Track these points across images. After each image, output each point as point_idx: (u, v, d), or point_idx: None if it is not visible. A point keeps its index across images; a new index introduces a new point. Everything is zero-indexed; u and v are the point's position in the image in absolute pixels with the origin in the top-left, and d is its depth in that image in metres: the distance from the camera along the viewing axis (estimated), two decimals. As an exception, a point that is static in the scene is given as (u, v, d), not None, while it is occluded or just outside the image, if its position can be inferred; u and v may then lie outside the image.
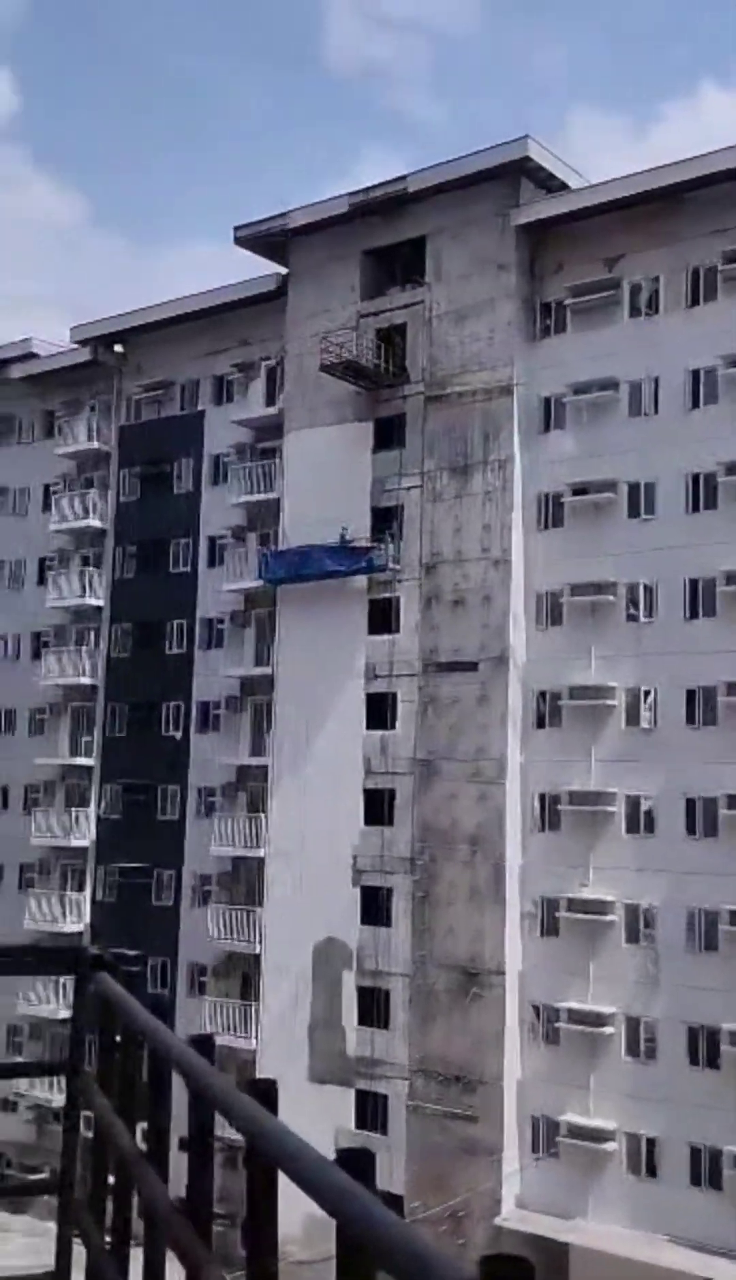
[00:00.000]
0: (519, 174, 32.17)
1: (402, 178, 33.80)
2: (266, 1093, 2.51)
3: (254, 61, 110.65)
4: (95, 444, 41.66)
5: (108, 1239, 3.68)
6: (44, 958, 4.55)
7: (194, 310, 39.15)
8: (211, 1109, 2.85)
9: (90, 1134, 4.07)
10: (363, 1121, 31.14)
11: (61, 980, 36.47)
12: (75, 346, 42.41)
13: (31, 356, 43.65)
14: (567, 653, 30.32)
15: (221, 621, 37.89)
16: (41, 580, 42.84)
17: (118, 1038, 3.95)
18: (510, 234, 32.16)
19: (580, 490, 30.76)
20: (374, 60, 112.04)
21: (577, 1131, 28.47)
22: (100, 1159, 3.94)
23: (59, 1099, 36.12)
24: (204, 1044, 3.09)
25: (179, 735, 38.31)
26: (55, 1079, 36.03)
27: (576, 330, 31.64)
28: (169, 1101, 3.37)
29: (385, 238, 34.69)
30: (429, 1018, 30.80)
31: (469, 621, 31.72)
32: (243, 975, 35.27)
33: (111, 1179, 3.76)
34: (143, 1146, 3.43)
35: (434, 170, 33.32)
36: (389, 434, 33.91)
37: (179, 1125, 2.98)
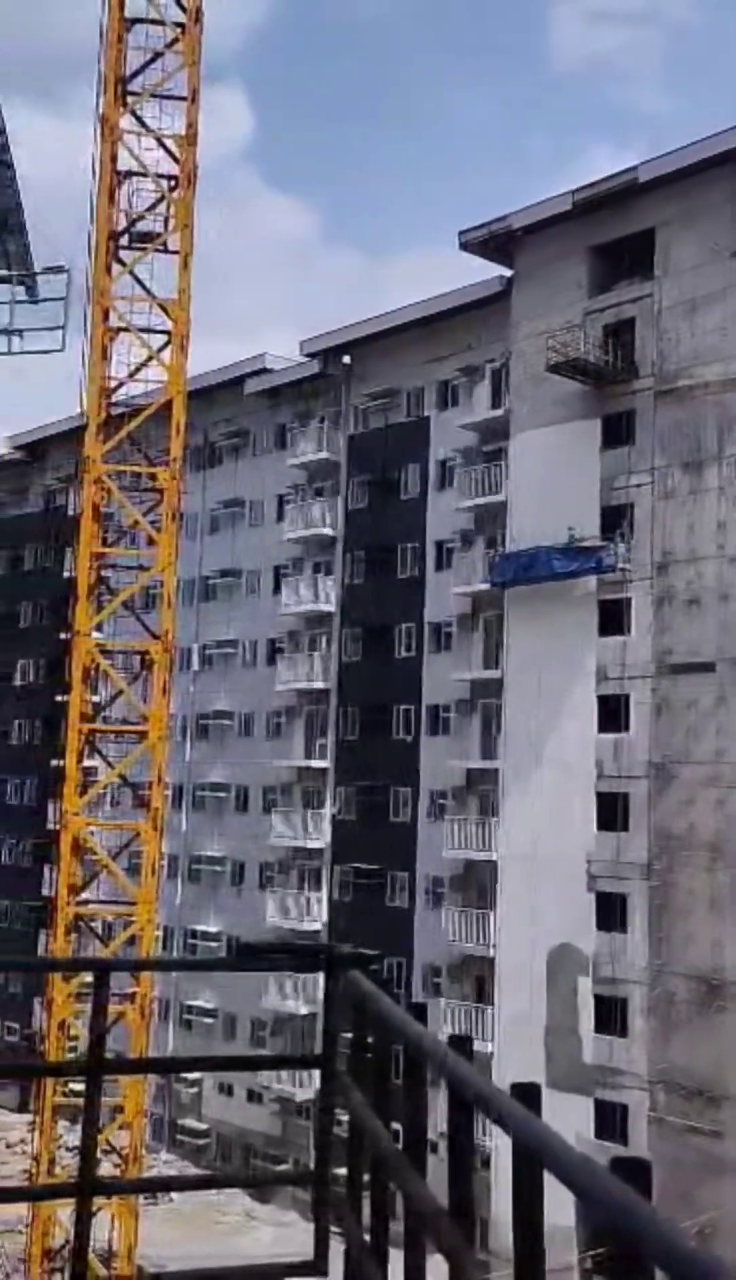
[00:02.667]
0: (751, 156, 31.01)
1: (633, 168, 33.14)
2: (531, 1096, 2.50)
3: (479, 65, 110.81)
4: (325, 454, 42.64)
5: (366, 1234, 3.75)
6: (299, 955, 4.68)
7: (419, 318, 39.54)
8: (472, 1109, 2.87)
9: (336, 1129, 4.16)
10: (602, 1131, 30.61)
11: (302, 978, 37.42)
12: (305, 360, 43.54)
13: (264, 371, 45.07)
14: None
15: (449, 625, 38.07)
16: (276, 588, 44.15)
17: (369, 1036, 4.02)
18: (743, 219, 31.03)
19: None
20: (598, 55, 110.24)
21: None
22: (356, 1154, 4.01)
23: (302, 1092, 37.07)
24: (461, 1044, 3.11)
25: (410, 738, 38.70)
26: (299, 1072, 37.01)
27: None
28: (426, 1100, 3.41)
29: (612, 232, 34.08)
30: (669, 1028, 29.99)
31: (705, 621, 30.74)
32: (477, 978, 35.29)
33: (368, 1174, 3.83)
34: (398, 1144, 3.48)
35: (665, 159, 32.51)
36: (617, 431, 33.27)
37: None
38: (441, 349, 39.35)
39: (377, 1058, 3.90)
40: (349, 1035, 4.18)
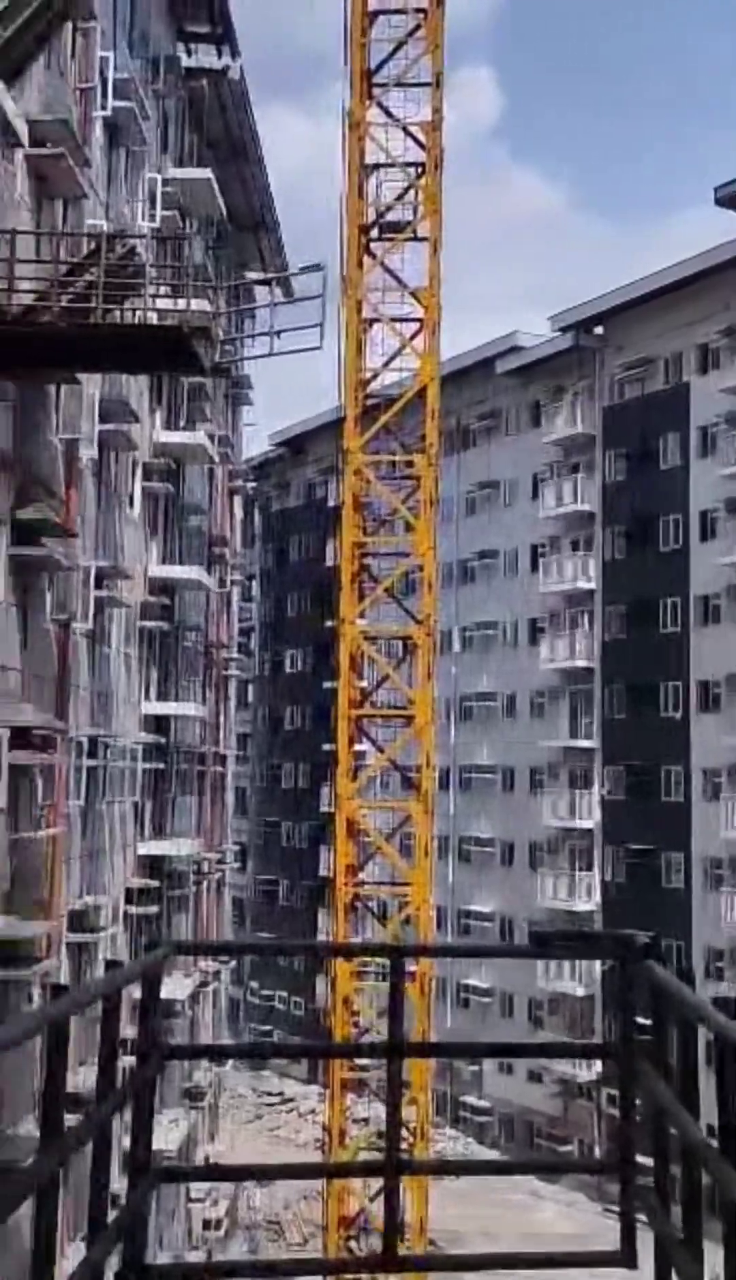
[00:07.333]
0: None
1: None
2: None
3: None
4: (580, 428, 41.97)
5: (678, 1227, 3.68)
6: (594, 943, 4.65)
7: (673, 281, 38.25)
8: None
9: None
10: None
11: (579, 960, 37.06)
12: (557, 334, 42.94)
13: (515, 350, 44.75)
14: None
15: (718, 597, 36.75)
16: (534, 567, 43.85)
17: (668, 1025, 3.94)
18: None
19: None
20: None
21: None
22: (662, 1144, 3.94)
23: (583, 1073, 36.80)
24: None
25: (679, 716, 37.64)
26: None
27: None
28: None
29: None
30: None
31: None
32: (761, 962, 34.02)
33: (676, 1165, 3.75)
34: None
35: None
36: None
37: None
38: (700, 311, 37.92)
39: (680, 1047, 3.82)
40: (644, 1023, 4.12)
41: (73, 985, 15.89)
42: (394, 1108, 4.39)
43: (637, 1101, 4.37)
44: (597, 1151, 36.57)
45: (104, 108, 20.16)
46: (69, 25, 17.50)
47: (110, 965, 3.85)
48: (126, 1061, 3.84)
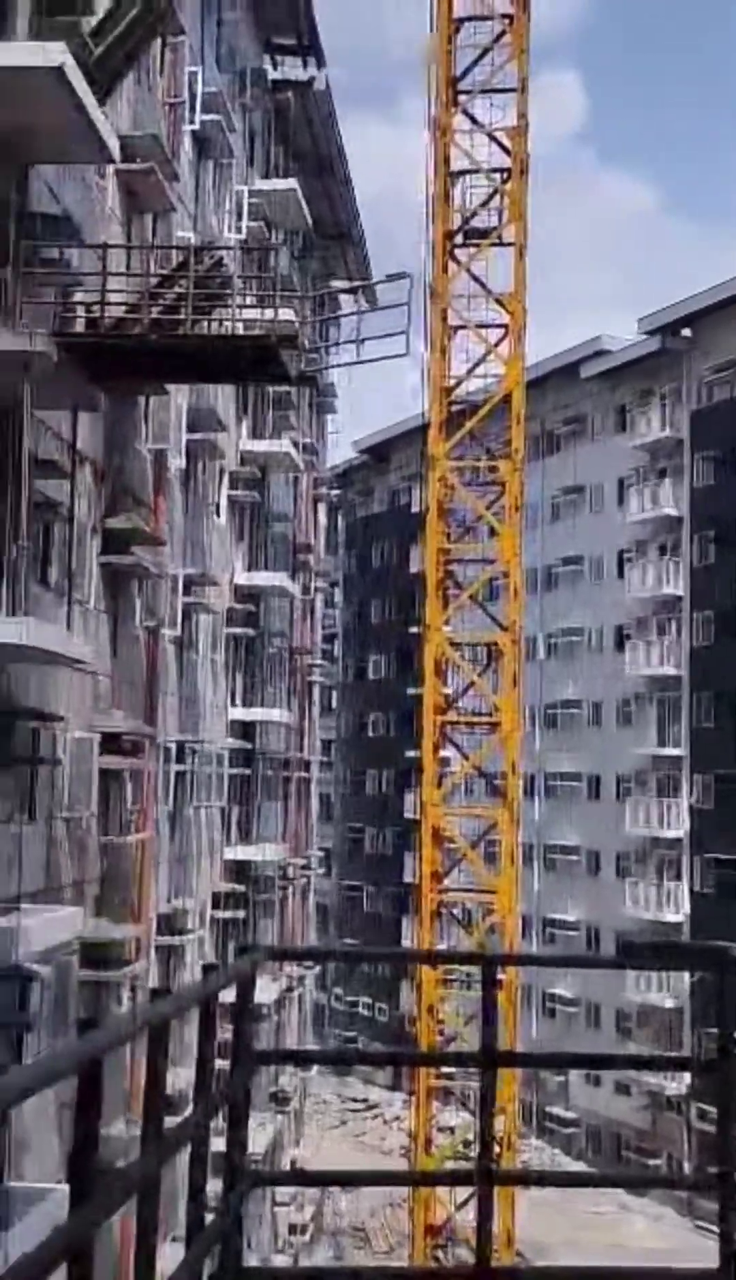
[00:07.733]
0: None
1: None
2: None
3: None
4: (667, 432, 41.44)
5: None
6: (686, 954, 4.58)
7: (763, 281, 37.65)
8: None
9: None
10: None
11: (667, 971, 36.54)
12: (644, 337, 42.48)
13: (601, 354, 44.36)
14: None
15: None
16: (620, 573, 43.39)
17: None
18: None
19: None
20: None
21: None
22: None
23: (672, 1086, 36.24)
24: None
25: (771, 723, 36.93)
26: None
27: None
28: None
29: None
30: None
31: None
32: None
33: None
34: None
35: None
36: None
37: None
38: (791, 311, 37.26)
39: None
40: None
41: (163, 988, 16.07)
42: (487, 1117, 4.38)
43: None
44: (687, 1166, 35.98)
45: (192, 122, 20.44)
46: (158, 41, 17.78)
47: (207, 970, 3.90)
48: (213, 1065, 3.88)
